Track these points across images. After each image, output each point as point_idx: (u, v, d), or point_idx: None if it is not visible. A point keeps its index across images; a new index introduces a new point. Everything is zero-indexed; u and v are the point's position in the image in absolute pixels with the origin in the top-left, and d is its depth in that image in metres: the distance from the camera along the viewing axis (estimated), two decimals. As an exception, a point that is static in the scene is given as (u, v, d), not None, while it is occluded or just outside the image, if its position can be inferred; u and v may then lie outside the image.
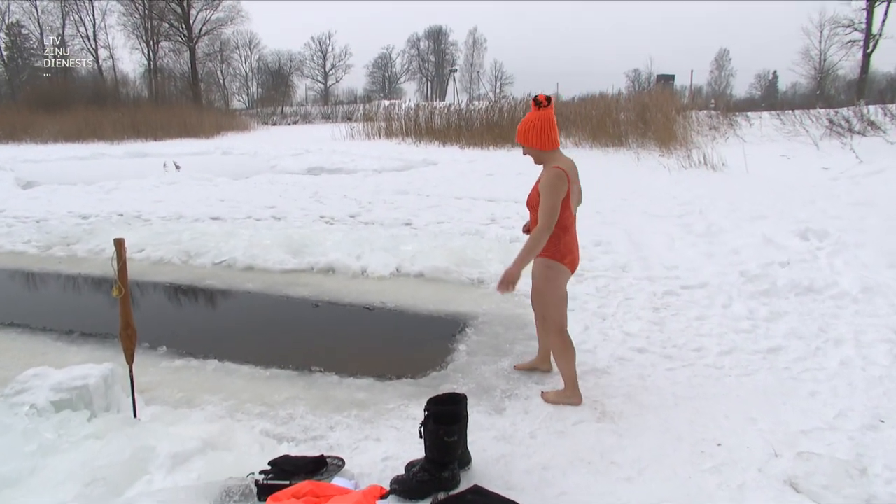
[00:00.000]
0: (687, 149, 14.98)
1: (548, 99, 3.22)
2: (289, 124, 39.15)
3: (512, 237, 7.29)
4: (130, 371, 3.03)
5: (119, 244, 2.83)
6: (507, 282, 3.23)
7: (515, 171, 14.14)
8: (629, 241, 7.14)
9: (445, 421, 2.66)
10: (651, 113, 17.78)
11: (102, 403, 3.09)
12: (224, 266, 6.65)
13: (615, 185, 11.52)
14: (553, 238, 3.27)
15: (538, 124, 3.23)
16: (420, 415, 2.78)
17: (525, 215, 4.85)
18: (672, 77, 33.58)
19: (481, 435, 3.09)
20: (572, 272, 3.47)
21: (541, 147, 3.26)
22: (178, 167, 15.54)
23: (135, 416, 3.06)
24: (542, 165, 3.36)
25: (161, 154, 19.73)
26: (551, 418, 3.28)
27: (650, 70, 54.49)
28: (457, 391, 2.93)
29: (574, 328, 4.54)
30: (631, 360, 4.04)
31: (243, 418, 3.34)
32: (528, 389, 3.63)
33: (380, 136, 24.91)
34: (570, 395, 3.45)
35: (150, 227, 8.44)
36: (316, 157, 18.05)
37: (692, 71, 38.06)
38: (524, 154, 3.39)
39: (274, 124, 38.27)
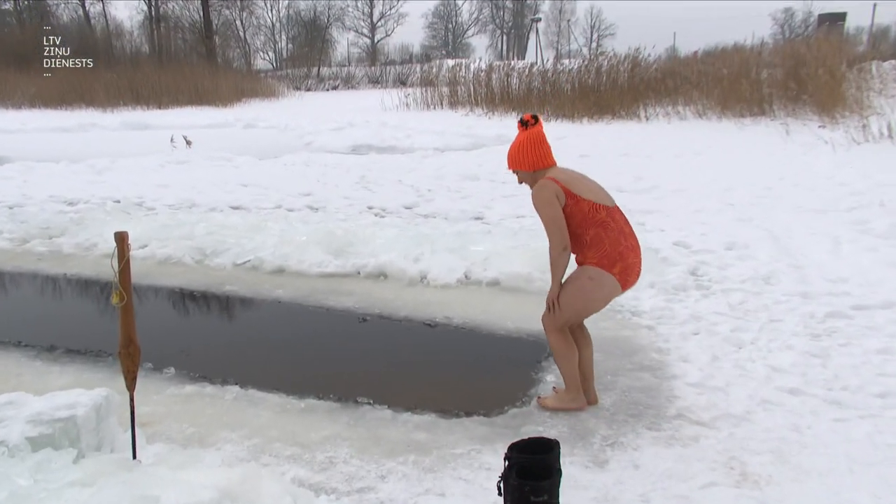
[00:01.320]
0: (862, 116, 14.44)
1: (534, 117, 3.68)
2: (327, 90, 40.05)
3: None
4: (131, 399, 3.10)
5: (121, 239, 2.90)
6: (548, 305, 3.74)
7: (618, 150, 13.93)
8: (775, 243, 6.98)
9: (533, 475, 2.63)
10: (809, 68, 17.13)
11: (93, 440, 3.15)
12: (248, 267, 6.83)
13: (754, 168, 11.22)
14: (594, 240, 3.58)
15: (526, 144, 3.67)
16: (496, 464, 2.77)
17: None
18: (842, 16, 31.24)
19: (577, 495, 3.05)
20: (623, 288, 3.62)
21: (532, 167, 3.68)
22: (188, 143, 16.11)
23: (134, 456, 3.12)
24: None
25: (167, 126, 20.47)
26: (670, 477, 3.20)
27: (809, 8, 52.32)
28: (544, 435, 2.89)
29: (699, 357, 4.47)
30: (780, 404, 3.90)
31: (271, 462, 3.39)
32: (637, 437, 3.56)
33: (442, 105, 25.19)
34: (573, 399, 3.84)
35: (154, 217, 8.76)
36: (362, 132, 18.37)
37: (875, 5, 34.88)
38: (519, 183, 3.84)
39: (308, 90, 39.21)
